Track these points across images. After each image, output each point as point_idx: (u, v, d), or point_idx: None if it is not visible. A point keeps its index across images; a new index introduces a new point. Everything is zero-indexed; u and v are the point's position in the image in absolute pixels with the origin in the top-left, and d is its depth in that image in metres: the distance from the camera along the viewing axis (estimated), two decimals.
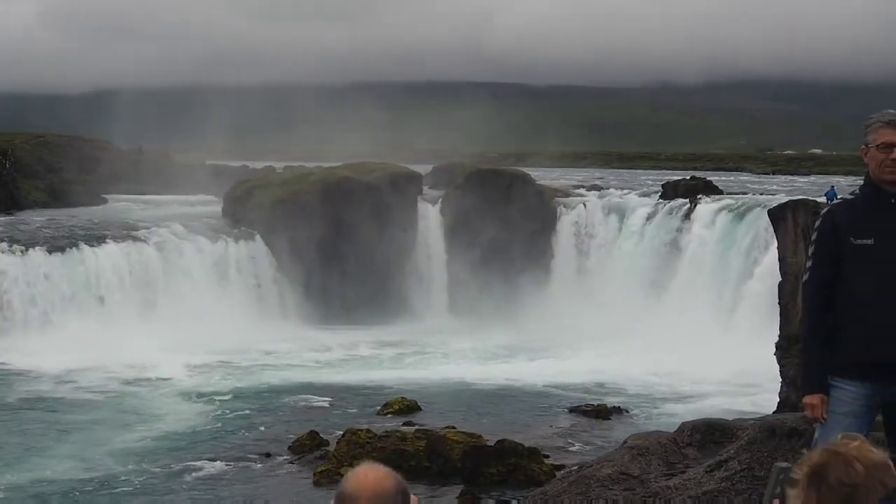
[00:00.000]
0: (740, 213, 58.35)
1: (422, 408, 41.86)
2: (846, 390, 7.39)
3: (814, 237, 7.55)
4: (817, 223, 7.54)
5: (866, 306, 7.29)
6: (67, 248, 55.34)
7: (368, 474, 3.85)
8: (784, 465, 9.57)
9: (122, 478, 33.05)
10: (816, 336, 7.54)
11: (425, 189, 71.40)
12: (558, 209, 65.94)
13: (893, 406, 7.51)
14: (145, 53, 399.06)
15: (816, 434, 7.56)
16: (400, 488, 3.85)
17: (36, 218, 67.13)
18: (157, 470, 33.80)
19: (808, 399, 7.48)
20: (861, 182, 7.72)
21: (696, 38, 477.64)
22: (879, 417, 7.77)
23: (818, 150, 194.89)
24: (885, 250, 7.28)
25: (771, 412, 30.90)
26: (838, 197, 8.17)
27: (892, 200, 7.36)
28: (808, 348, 7.63)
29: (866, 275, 7.29)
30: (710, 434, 15.87)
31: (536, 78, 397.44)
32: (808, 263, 7.56)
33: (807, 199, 51.36)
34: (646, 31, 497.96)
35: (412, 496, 3.93)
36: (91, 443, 36.68)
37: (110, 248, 56.30)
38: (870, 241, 7.30)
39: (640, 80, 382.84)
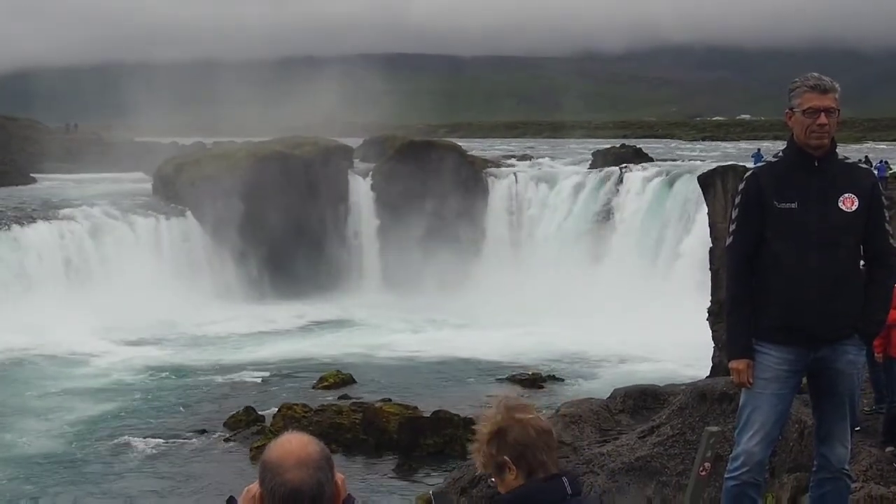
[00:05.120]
0: (670, 180, 58.56)
1: (357, 381, 41.85)
2: (770, 355, 7.33)
3: (737, 200, 7.45)
4: (741, 186, 7.46)
5: (789, 270, 7.24)
6: None
7: (292, 441, 3.86)
8: (714, 429, 9.68)
9: (54, 458, 32.82)
10: (740, 300, 7.46)
11: (356, 162, 71.19)
12: (489, 180, 65.89)
13: (817, 371, 7.48)
14: (70, 31, 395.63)
15: (742, 398, 7.53)
16: (324, 454, 3.85)
17: None
18: (90, 450, 33.56)
19: (733, 364, 7.42)
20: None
21: (618, 6, 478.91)
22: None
23: (747, 116, 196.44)
24: (808, 213, 7.21)
25: (704, 377, 31.16)
26: (763, 159, 8.08)
27: (816, 163, 7.32)
28: (732, 313, 7.54)
29: (789, 238, 7.22)
30: (642, 400, 15.97)
31: (461, 49, 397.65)
32: (732, 227, 7.47)
33: (736, 165, 51.61)
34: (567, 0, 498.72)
35: (338, 475, 3.93)
36: (16, 425, 36.38)
37: (40, 228, 55.63)
38: (793, 205, 7.23)
39: (564, 48, 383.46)
